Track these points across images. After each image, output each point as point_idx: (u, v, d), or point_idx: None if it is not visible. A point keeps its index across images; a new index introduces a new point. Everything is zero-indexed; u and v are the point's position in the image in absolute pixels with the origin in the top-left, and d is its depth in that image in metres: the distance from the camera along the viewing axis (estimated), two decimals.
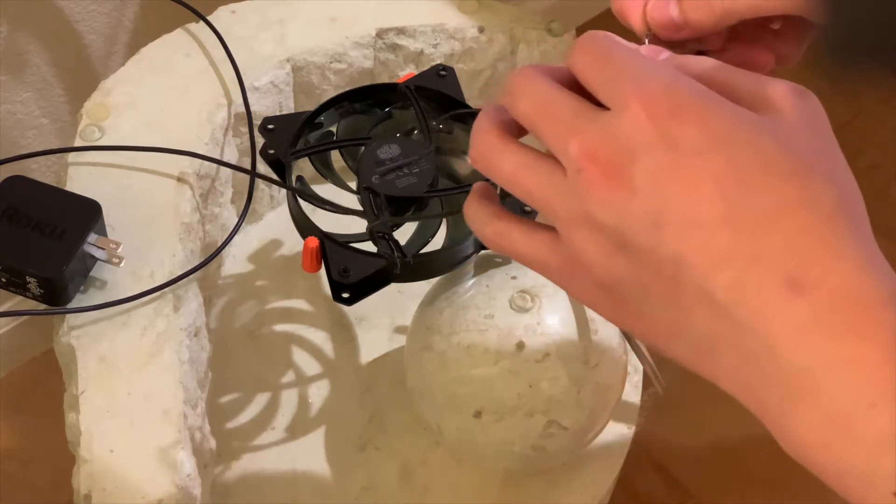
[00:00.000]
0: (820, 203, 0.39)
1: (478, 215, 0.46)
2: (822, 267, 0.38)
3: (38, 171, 1.03)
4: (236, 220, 0.80)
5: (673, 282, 0.40)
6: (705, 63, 0.43)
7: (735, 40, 0.51)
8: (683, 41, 0.49)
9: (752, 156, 0.39)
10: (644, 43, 0.49)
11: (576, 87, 0.43)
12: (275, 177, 0.68)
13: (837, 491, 0.38)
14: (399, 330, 0.79)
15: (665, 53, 0.45)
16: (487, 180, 0.47)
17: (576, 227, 0.41)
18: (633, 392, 0.77)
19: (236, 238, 0.73)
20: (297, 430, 0.75)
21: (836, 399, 0.37)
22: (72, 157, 0.71)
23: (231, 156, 0.76)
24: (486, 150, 0.44)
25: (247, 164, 0.79)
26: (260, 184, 0.79)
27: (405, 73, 0.77)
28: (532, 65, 0.45)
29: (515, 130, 0.44)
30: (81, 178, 0.70)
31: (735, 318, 0.39)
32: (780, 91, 0.41)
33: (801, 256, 0.38)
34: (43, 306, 0.65)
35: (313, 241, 0.63)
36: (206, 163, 0.72)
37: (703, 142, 0.39)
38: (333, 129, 0.69)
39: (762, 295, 0.38)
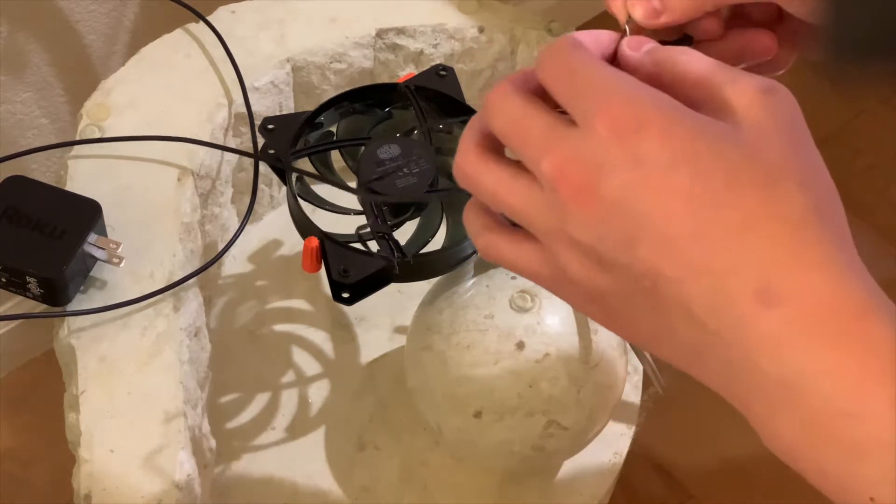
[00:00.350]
0: (789, 212, 0.39)
1: (472, 226, 0.46)
2: (793, 278, 0.38)
3: (38, 171, 1.03)
4: (236, 219, 0.80)
5: (653, 294, 0.40)
6: (681, 61, 0.43)
7: (735, 27, 0.50)
8: (665, 28, 0.49)
9: (717, 168, 0.39)
10: (625, 31, 0.48)
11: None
12: (274, 175, 0.68)
13: (821, 491, 0.39)
14: (399, 330, 0.79)
15: (649, 44, 0.45)
16: None
17: (557, 243, 0.41)
18: (633, 392, 0.77)
19: (237, 238, 0.73)
20: (297, 430, 0.75)
21: (814, 409, 0.38)
22: (72, 157, 0.71)
23: (231, 155, 0.76)
24: (466, 169, 0.44)
25: (247, 164, 0.79)
26: (260, 184, 0.79)
27: (405, 73, 0.77)
28: (510, 76, 0.45)
29: (498, 144, 0.44)
30: (81, 178, 0.70)
31: (713, 329, 0.39)
32: (746, 93, 0.41)
33: (771, 268, 0.38)
34: (43, 306, 0.65)
35: (313, 241, 0.63)
36: (206, 163, 0.72)
37: (668, 158, 0.39)
38: (333, 129, 0.69)
39: (736, 307, 0.38)
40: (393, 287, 0.64)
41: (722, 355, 0.39)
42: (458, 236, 0.65)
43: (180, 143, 0.71)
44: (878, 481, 0.37)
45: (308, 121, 0.68)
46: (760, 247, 0.39)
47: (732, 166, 0.39)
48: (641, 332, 0.42)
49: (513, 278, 0.66)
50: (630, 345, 0.70)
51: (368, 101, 0.70)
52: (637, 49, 0.45)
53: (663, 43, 0.46)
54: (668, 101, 0.41)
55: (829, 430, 0.37)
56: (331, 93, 0.78)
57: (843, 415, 0.37)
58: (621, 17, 0.49)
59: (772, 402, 0.39)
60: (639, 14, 0.48)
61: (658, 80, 0.43)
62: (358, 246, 0.63)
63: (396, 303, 0.78)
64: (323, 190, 0.67)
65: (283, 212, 0.78)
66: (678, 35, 0.50)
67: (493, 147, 0.44)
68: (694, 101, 0.41)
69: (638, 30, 0.49)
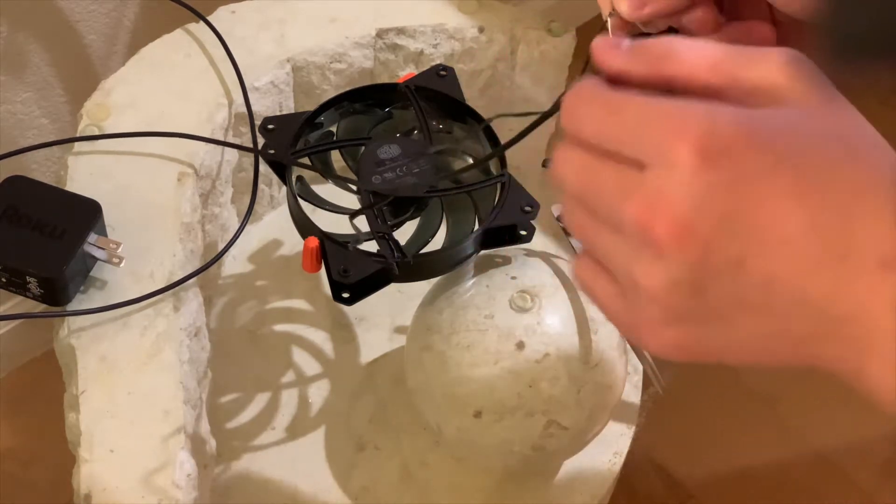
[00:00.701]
0: (882, 175, 0.39)
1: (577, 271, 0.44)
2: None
3: (38, 171, 1.03)
4: (236, 219, 0.80)
5: (761, 305, 0.39)
6: (683, 50, 0.41)
7: (731, 19, 0.50)
8: (650, 23, 0.48)
9: (810, 157, 0.39)
10: (606, 24, 0.47)
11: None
12: (274, 175, 0.68)
13: None
14: (399, 330, 0.79)
15: (625, 42, 0.42)
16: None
17: (649, 293, 0.40)
18: (633, 392, 0.77)
19: (237, 239, 0.73)
20: (297, 430, 0.75)
21: None
22: (72, 157, 0.71)
23: (231, 155, 0.76)
24: (582, 275, 0.43)
25: (247, 164, 0.79)
26: (260, 184, 0.79)
27: (405, 73, 0.77)
28: (566, 136, 0.42)
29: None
30: (81, 178, 0.70)
31: (833, 314, 0.39)
32: (779, 70, 0.40)
33: (886, 236, 0.38)
34: (43, 306, 0.65)
35: (313, 241, 0.63)
36: (206, 163, 0.72)
37: (768, 163, 0.38)
38: (333, 129, 0.69)
39: (862, 283, 0.38)
40: (393, 287, 0.64)
41: (843, 335, 0.39)
42: (458, 236, 0.65)
43: (180, 143, 0.71)
44: None
45: (308, 121, 0.68)
46: (872, 218, 0.38)
47: (821, 149, 0.39)
48: (746, 345, 0.41)
49: (513, 278, 0.66)
50: (630, 345, 0.70)
51: (368, 101, 0.70)
52: (616, 47, 0.42)
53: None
54: (730, 109, 0.39)
55: None
56: (331, 93, 0.78)
57: None
58: (605, 10, 0.48)
59: None
60: (624, 7, 0.47)
61: (662, 77, 0.41)
62: (358, 246, 0.63)
63: (396, 303, 0.78)
64: (323, 190, 0.67)
65: (283, 212, 0.78)
66: (664, 29, 0.49)
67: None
68: (713, 90, 0.40)
69: (622, 25, 0.48)
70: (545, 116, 0.47)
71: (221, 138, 0.75)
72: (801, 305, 0.39)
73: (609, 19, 0.47)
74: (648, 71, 0.41)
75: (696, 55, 0.40)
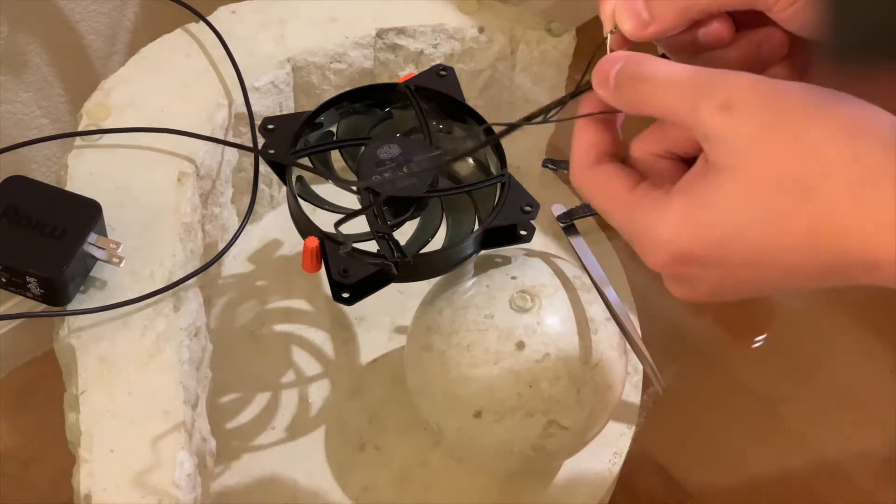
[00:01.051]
0: (837, 204, 0.41)
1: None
2: (880, 248, 0.40)
3: (38, 171, 1.03)
4: (236, 219, 0.80)
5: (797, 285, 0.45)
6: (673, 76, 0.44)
7: (741, 30, 0.50)
8: (651, 40, 0.48)
9: (757, 232, 0.43)
10: (606, 40, 0.48)
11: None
12: (274, 175, 0.68)
13: None
14: (399, 330, 0.79)
15: (612, 74, 0.46)
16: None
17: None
18: (633, 392, 0.77)
19: (237, 238, 0.73)
20: (297, 430, 0.75)
21: None
22: (72, 157, 0.71)
23: (231, 155, 0.76)
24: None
25: (247, 164, 0.79)
26: (260, 184, 0.79)
27: (405, 73, 0.77)
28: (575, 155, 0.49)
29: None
30: (81, 178, 0.70)
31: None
32: (708, 123, 0.43)
33: (860, 251, 0.41)
34: (43, 306, 0.65)
35: (313, 241, 0.63)
36: (206, 163, 0.72)
37: (719, 255, 0.44)
38: (333, 129, 0.69)
39: (856, 277, 0.42)
40: (393, 287, 0.64)
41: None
42: (458, 236, 0.65)
43: (180, 143, 0.71)
44: None
45: (308, 121, 0.68)
46: (841, 243, 0.41)
47: (765, 216, 0.42)
48: (762, 293, 0.47)
49: (513, 278, 0.66)
50: (630, 345, 0.70)
51: (368, 101, 0.70)
52: (617, 64, 0.46)
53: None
54: (680, 212, 0.44)
55: None
56: (331, 93, 0.78)
57: None
58: (607, 26, 0.48)
59: None
60: (627, 27, 0.48)
61: (642, 113, 0.46)
62: (358, 246, 0.63)
63: (396, 303, 0.78)
64: (323, 190, 0.67)
65: (283, 212, 0.78)
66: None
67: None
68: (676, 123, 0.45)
69: (622, 42, 0.48)
70: (542, 114, 0.48)
71: (221, 138, 0.74)
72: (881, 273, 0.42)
73: (609, 35, 0.47)
74: (630, 108, 0.46)
75: (664, 99, 0.44)
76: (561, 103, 0.48)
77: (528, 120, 0.48)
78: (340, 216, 0.65)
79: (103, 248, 0.66)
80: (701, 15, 0.48)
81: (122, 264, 0.66)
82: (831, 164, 0.41)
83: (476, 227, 0.65)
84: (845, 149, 0.41)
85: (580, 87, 0.48)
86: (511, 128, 0.48)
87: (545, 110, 0.48)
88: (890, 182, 0.40)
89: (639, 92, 0.45)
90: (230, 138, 0.76)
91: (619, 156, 0.48)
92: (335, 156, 0.69)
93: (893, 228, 0.40)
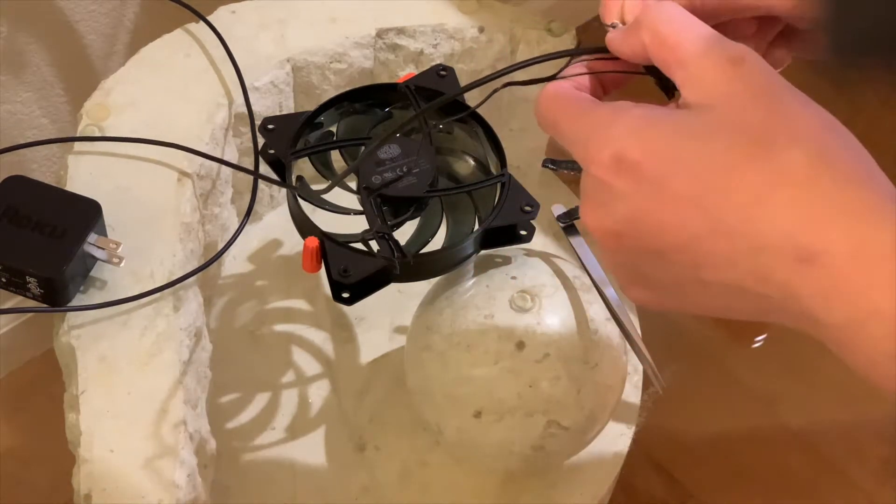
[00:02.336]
0: (792, 171, 0.40)
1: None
2: (821, 234, 0.39)
3: (39, 171, 1.03)
4: (236, 219, 0.80)
5: (705, 284, 0.42)
6: (663, 21, 0.44)
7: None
8: None
9: (708, 162, 0.41)
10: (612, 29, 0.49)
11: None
12: (274, 176, 0.68)
13: None
14: (399, 330, 0.79)
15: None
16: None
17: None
18: (633, 392, 0.77)
19: (236, 238, 0.73)
20: (297, 430, 0.75)
21: (876, 350, 0.39)
22: (72, 157, 0.71)
23: (231, 155, 0.76)
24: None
25: (247, 164, 0.79)
26: (260, 184, 0.79)
27: (405, 73, 0.77)
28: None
29: None
30: (81, 178, 0.70)
31: (768, 296, 0.41)
32: (716, 67, 0.42)
33: (798, 230, 0.39)
34: (43, 306, 0.65)
35: (313, 241, 0.63)
36: (206, 163, 0.72)
37: (659, 173, 0.42)
38: (333, 129, 0.69)
39: (781, 276, 0.40)
40: (393, 287, 0.64)
41: (784, 312, 0.41)
42: (458, 236, 0.65)
43: (181, 143, 0.71)
44: None
45: (308, 121, 0.68)
46: (781, 214, 0.40)
47: (722, 152, 0.41)
48: (708, 308, 0.44)
49: (513, 278, 0.66)
50: (630, 345, 0.70)
51: (368, 101, 0.70)
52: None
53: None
54: (640, 118, 0.43)
55: (887, 367, 0.39)
56: (331, 93, 0.78)
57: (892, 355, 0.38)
58: (608, 18, 0.48)
59: (840, 344, 0.40)
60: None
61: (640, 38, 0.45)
62: (358, 246, 0.63)
63: (396, 303, 0.78)
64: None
65: (283, 212, 0.78)
66: None
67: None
68: (668, 63, 0.44)
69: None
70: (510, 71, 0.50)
71: (221, 138, 0.75)
72: (737, 290, 0.42)
73: (610, 28, 0.48)
74: (639, 32, 0.46)
75: (667, 30, 0.44)
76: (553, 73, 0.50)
77: (492, 78, 0.50)
78: (340, 216, 0.65)
79: (103, 248, 0.66)
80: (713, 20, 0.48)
81: (122, 264, 0.66)
82: (798, 134, 0.41)
83: (476, 227, 0.65)
84: (817, 130, 0.41)
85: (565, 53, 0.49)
86: (472, 85, 0.50)
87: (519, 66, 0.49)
88: (847, 176, 0.40)
89: (662, 17, 0.45)
90: (230, 138, 0.76)
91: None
92: (335, 156, 0.69)
93: (839, 221, 0.39)
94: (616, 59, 0.48)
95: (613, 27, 0.48)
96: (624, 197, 0.43)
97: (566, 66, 0.49)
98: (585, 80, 0.49)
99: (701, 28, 0.44)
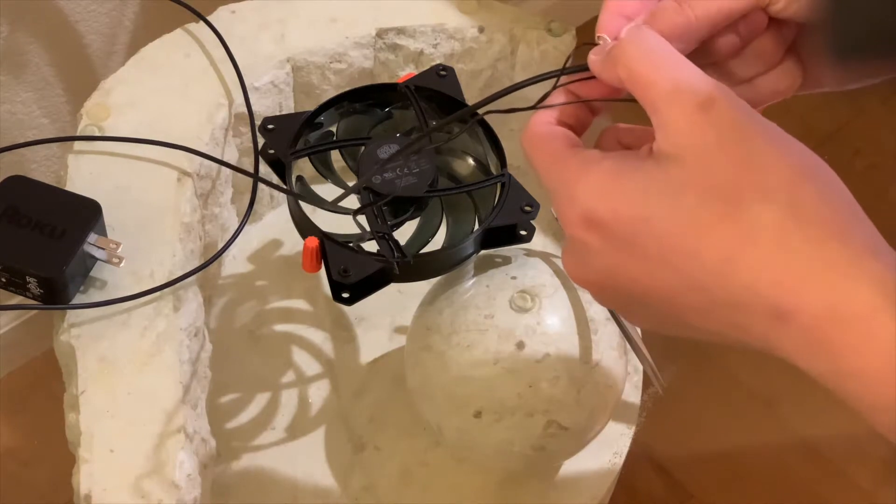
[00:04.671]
0: (762, 229, 0.40)
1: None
2: (793, 294, 0.39)
3: (38, 171, 1.03)
4: (236, 219, 0.80)
5: (688, 325, 0.43)
6: (637, 61, 0.44)
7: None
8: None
9: (675, 221, 0.41)
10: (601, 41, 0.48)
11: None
12: (274, 177, 0.68)
13: None
14: (399, 330, 0.79)
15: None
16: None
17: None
18: (633, 392, 0.77)
19: (236, 238, 0.73)
20: (297, 430, 0.75)
21: (856, 403, 0.39)
22: (72, 157, 0.71)
23: (231, 156, 0.76)
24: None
25: (247, 164, 0.79)
26: (260, 184, 0.79)
27: (405, 73, 0.77)
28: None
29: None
30: (81, 178, 0.70)
31: (749, 343, 0.41)
32: (684, 115, 0.42)
33: (770, 290, 0.39)
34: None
35: (313, 241, 0.63)
36: (206, 163, 0.72)
37: (627, 234, 0.42)
38: (333, 129, 0.69)
39: (758, 331, 0.40)
40: (393, 287, 0.64)
41: (769, 352, 0.41)
42: (458, 236, 0.65)
43: (180, 143, 0.71)
44: None
45: (308, 121, 0.68)
46: (752, 275, 0.39)
47: (691, 212, 0.41)
48: (697, 336, 0.44)
49: (513, 278, 0.66)
50: (630, 345, 0.70)
51: (368, 101, 0.70)
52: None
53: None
54: (606, 175, 0.43)
55: (876, 420, 0.39)
56: (331, 93, 0.78)
57: (876, 408, 0.38)
58: (605, 31, 0.48)
59: (833, 391, 0.40)
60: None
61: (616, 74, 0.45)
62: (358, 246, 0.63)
63: (396, 303, 0.78)
64: (323, 190, 0.67)
65: (283, 212, 0.78)
66: None
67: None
68: (643, 102, 0.44)
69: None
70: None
71: (221, 138, 0.75)
72: (719, 336, 0.42)
73: (599, 41, 0.48)
74: (613, 68, 0.45)
75: (640, 72, 0.44)
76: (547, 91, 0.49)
77: (505, 93, 0.49)
78: (340, 216, 0.65)
79: (103, 248, 0.66)
80: (710, 30, 0.47)
81: (121, 264, 0.66)
82: (769, 188, 0.40)
83: (476, 227, 0.65)
84: (789, 182, 0.40)
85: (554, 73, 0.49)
86: (485, 102, 0.50)
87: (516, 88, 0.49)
88: (820, 232, 0.39)
89: (636, 53, 0.44)
90: (230, 138, 0.76)
91: (576, 130, 0.48)
92: (335, 156, 0.69)
93: (812, 280, 0.39)
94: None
95: (600, 40, 0.48)
96: (598, 253, 0.43)
97: (553, 88, 0.49)
98: (579, 93, 0.49)
99: (674, 66, 0.43)
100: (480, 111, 0.51)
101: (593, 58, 0.47)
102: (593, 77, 0.48)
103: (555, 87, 0.49)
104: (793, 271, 0.39)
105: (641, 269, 0.42)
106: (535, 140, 0.47)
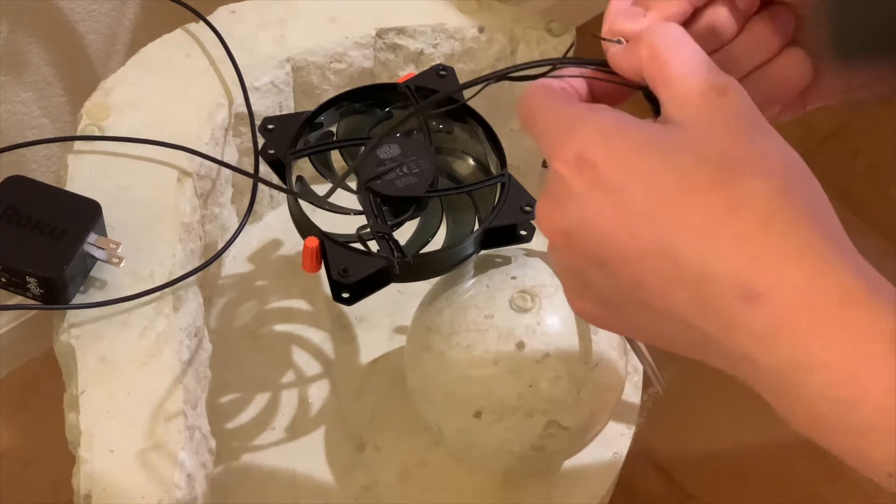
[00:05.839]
0: (753, 206, 0.39)
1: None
2: (770, 273, 0.38)
3: (38, 171, 1.03)
4: (236, 219, 0.80)
5: (644, 303, 0.41)
6: (660, 42, 0.44)
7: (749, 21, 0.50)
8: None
9: (668, 178, 0.40)
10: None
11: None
12: (274, 177, 0.68)
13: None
14: (399, 330, 0.79)
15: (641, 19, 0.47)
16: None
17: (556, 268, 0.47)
18: (633, 392, 0.77)
19: (236, 238, 0.73)
20: (297, 430, 0.75)
21: (813, 398, 0.38)
22: (72, 157, 0.71)
23: (231, 156, 0.76)
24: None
25: (247, 164, 0.79)
26: (261, 183, 0.79)
27: (405, 73, 0.77)
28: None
29: None
30: (81, 178, 0.70)
31: (705, 331, 0.40)
32: (695, 90, 0.42)
33: (747, 267, 0.39)
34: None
35: (313, 241, 0.63)
36: (206, 163, 0.72)
37: (617, 179, 0.41)
38: (333, 129, 0.69)
39: (722, 311, 0.39)
40: (393, 287, 0.64)
41: (721, 352, 0.40)
42: (458, 236, 0.65)
43: (180, 143, 0.71)
44: (888, 461, 0.38)
45: (308, 121, 0.68)
46: (731, 247, 0.39)
47: (685, 172, 0.40)
48: (648, 333, 0.44)
49: (513, 278, 0.66)
50: (630, 345, 0.70)
51: (368, 101, 0.70)
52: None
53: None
54: (610, 121, 0.42)
55: (831, 417, 0.38)
56: (331, 93, 0.78)
57: (841, 402, 0.38)
58: (611, 30, 0.48)
59: (776, 391, 0.39)
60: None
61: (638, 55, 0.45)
62: (358, 246, 0.63)
63: (396, 303, 0.78)
64: (323, 190, 0.67)
65: (283, 212, 0.78)
66: None
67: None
68: (656, 80, 0.44)
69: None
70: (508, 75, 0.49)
71: (221, 138, 0.75)
72: (675, 317, 0.41)
73: (615, 43, 0.48)
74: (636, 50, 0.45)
75: (659, 48, 0.44)
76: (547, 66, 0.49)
77: (493, 78, 0.48)
78: (340, 216, 0.65)
79: (103, 248, 0.66)
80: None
81: (121, 264, 0.66)
82: (764, 168, 0.40)
83: (476, 227, 0.65)
84: (783, 168, 0.41)
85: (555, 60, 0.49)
86: (471, 83, 0.49)
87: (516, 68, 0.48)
88: (804, 219, 0.39)
89: (663, 34, 0.44)
90: (230, 138, 0.76)
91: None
92: (335, 156, 0.69)
93: (789, 262, 0.38)
94: (610, 73, 0.48)
95: (619, 43, 0.48)
96: (579, 197, 0.42)
97: (546, 74, 0.49)
98: (580, 91, 0.49)
99: (696, 52, 0.43)
100: (473, 91, 0.51)
101: (616, 49, 0.47)
102: (593, 77, 0.48)
103: (547, 74, 0.48)
104: (771, 250, 0.38)
105: (618, 222, 0.41)
106: (543, 88, 0.47)
